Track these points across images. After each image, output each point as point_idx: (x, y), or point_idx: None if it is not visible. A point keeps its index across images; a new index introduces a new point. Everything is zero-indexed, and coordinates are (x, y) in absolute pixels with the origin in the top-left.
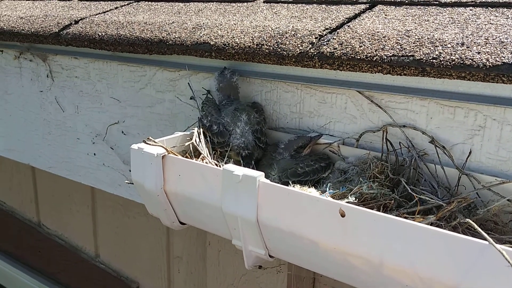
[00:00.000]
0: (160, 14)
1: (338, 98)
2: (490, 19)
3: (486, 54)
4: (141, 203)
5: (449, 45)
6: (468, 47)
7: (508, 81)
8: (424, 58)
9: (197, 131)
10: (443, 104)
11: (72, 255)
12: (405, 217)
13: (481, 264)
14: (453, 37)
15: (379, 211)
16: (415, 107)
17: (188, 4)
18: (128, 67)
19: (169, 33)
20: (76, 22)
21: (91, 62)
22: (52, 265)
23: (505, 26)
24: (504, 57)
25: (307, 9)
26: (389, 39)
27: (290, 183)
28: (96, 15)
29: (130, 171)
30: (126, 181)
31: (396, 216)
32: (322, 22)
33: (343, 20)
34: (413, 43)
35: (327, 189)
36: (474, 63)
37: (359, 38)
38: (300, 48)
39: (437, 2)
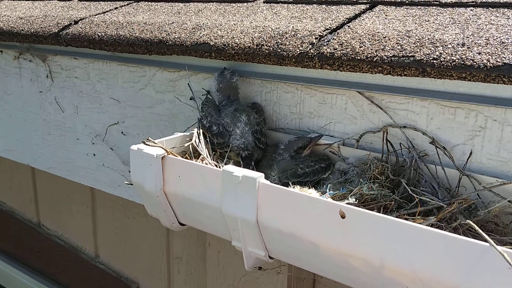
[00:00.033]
0: (160, 15)
1: (338, 98)
2: (491, 19)
3: (487, 54)
4: (141, 203)
5: (449, 46)
6: (468, 48)
7: (509, 81)
8: (425, 59)
9: (197, 132)
10: (444, 104)
11: (72, 255)
12: (406, 218)
13: (482, 265)
14: (453, 37)
15: (380, 212)
16: (415, 107)
17: (188, 4)
18: (128, 67)
19: (168, 33)
20: (76, 22)
21: (91, 62)
22: (52, 265)
23: (506, 27)
24: (505, 58)
25: (307, 9)
26: (389, 39)
27: (290, 184)
28: (95, 15)
29: (129, 171)
30: (125, 182)
31: (397, 217)
32: (322, 22)
33: (343, 20)
34: (414, 43)
35: (327, 190)
36: (475, 63)
37: (359, 39)
38: (300, 48)
39: (438, 2)
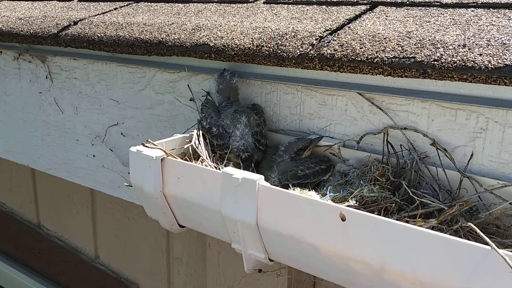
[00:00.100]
0: (160, 15)
1: (338, 100)
2: (492, 20)
3: (488, 56)
4: (141, 204)
5: (450, 47)
6: (469, 49)
7: (510, 83)
8: (426, 60)
9: (197, 133)
10: (445, 106)
11: (72, 256)
12: (406, 221)
13: (483, 269)
14: (454, 38)
15: (380, 214)
16: (416, 109)
17: (187, 5)
18: (128, 68)
19: (168, 34)
20: (75, 23)
21: (90, 63)
22: (52, 266)
23: (507, 28)
24: (506, 59)
25: (307, 10)
26: (390, 40)
27: (290, 185)
28: (95, 16)
29: (129, 173)
30: (125, 184)
31: (397, 219)
32: (322, 23)
33: (343, 21)
34: (414, 44)
35: (328, 192)
36: (476, 65)
37: (360, 40)
38: (300, 49)
39: (438, 3)
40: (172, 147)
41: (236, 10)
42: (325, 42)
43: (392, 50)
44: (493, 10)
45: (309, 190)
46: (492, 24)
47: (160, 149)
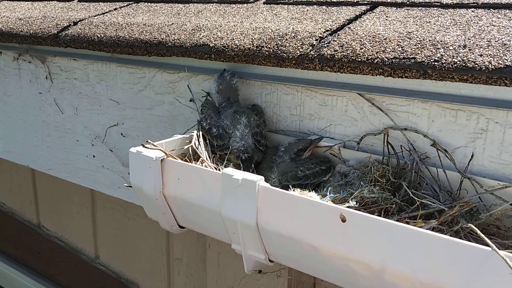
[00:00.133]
0: (160, 16)
1: (338, 100)
2: (493, 20)
3: (489, 56)
4: (141, 205)
5: (451, 48)
6: (470, 50)
7: (510, 84)
8: (426, 61)
9: (196, 134)
10: (445, 107)
11: (72, 256)
12: (407, 222)
13: (484, 270)
14: (455, 39)
15: (380, 215)
16: (416, 110)
17: (187, 5)
18: (127, 68)
19: (168, 34)
20: (75, 23)
21: (90, 63)
22: (52, 266)
23: (508, 28)
24: (506, 60)
25: (307, 10)
26: (390, 41)
27: (290, 186)
28: (95, 16)
29: (129, 173)
30: (125, 185)
31: (398, 220)
32: (322, 23)
33: (343, 21)
34: (415, 45)
35: (328, 193)
36: (477, 65)
37: (360, 40)
38: (300, 50)
39: (439, 4)
40: (172, 148)
41: (236, 11)
42: (325, 42)
43: (393, 51)
44: (494, 11)
45: (309, 191)
46: (493, 25)
47: (160, 150)
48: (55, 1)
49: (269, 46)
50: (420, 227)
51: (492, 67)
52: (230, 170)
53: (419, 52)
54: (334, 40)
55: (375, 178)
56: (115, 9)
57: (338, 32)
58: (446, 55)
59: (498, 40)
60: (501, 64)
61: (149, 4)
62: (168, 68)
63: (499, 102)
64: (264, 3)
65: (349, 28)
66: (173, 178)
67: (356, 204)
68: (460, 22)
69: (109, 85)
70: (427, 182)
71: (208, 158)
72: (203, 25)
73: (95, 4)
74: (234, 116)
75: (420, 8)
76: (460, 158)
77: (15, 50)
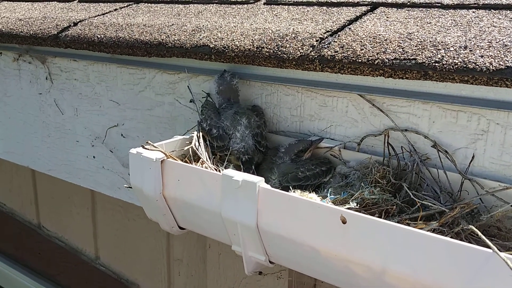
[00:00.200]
0: (160, 16)
1: (339, 101)
2: (493, 21)
3: (490, 57)
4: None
5: (451, 49)
6: (471, 51)
7: (511, 85)
8: (427, 62)
9: (197, 135)
10: (446, 108)
11: (72, 257)
12: (407, 223)
13: (484, 272)
14: (455, 40)
15: (381, 216)
16: (417, 111)
17: (187, 6)
18: (127, 69)
19: (168, 35)
20: (75, 24)
21: (90, 64)
22: (52, 267)
23: (509, 29)
24: (507, 61)
25: (307, 11)
26: (390, 42)
27: (291, 187)
28: (95, 17)
29: (129, 174)
30: (125, 186)
31: (398, 222)
32: (323, 24)
33: (344, 22)
34: (415, 46)
35: (328, 194)
36: (477, 66)
37: (360, 41)
38: (301, 51)
39: (439, 4)
40: (172, 149)
41: (236, 11)
42: (326, 43)
43: (393, 52)
44: (494, 11)
45: (310, 192)
46: (494, 26)
47: (160, 151)
48: (55, 2)
49: (269, 47)
50: (421, 228)
51: (493, 68)
52: (230, 172)
53: (420, 53)
54: (334, 41)
55: (375, 179)
56: (115, 9)
57: (339, 33)
58: (446, 56)
59: (499, 41)
60: (502, 65)
61: (149, 4)
62: (168, 69)
63: (500, 103)
64: (264, 3)
65: (349, 29)
66: (173, 179)
67: (357, 205)
68: (461, 23)
69: (109, 85)
70: (428, 183)
71: (208, 159)
72: (203, 25)
73: (95, 4)
74: (235, 117)
75: (420, 9)
76: (461, 159)
77: (15, 51)
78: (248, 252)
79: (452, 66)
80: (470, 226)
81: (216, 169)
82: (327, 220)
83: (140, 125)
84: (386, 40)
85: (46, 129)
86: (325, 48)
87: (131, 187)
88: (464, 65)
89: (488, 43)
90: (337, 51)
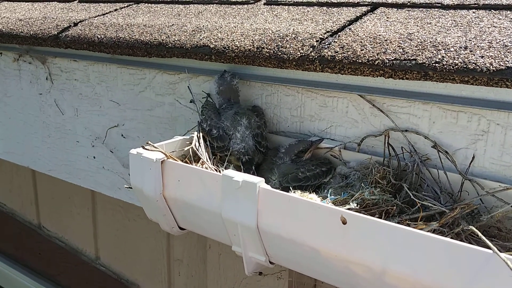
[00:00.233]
0: (160, 17)
1: (339, 102)
2: (494, 22)
3: (490, 58)
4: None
5: (452, 49)
6: (471, 51)
7: None
8: (427, 62)
9: (197, 136)
10: (446, 108)
11: (72, 257)
12: (408, 224)
13: (485, 272)
14: (456, 40)
15: (381, 217)
16: (417, 111)
17: (188, 6)
18: (128, 70)
19: (168, 35)
20: (75, 24)
21: (91, 64)
22: (52, 267)
23: (509, 29)
24: (508, 61)
25: (308, 11)
26: (391, 42)
27: (291, 188)
28: (95, 17)
29: (129, 175)
30: (125, 186)
31: (398, 222)
32: (323, 25)
33: (344, 23)
34: (416, 46)
35: (328, 194)
36: (478, 67)
37: (361, 42)
38: (301, 51)
39: (440, 5)
40: (172, 149)
41: (236, 12)
42: (326, 44)
43: (393, 52)
44: (495, 12)
45: (310, 192)
46: (494, 26)
47: (160, 151)
48: (56, 2)
49: (269, 47)
50: (421, 229)
51: (494, 68)
52: (231, 172)
53: (420, 54)
54: (334, 41)
55: (375, 179)
56: (116, 10)
57: (339, 33)
58: (447, 56)
59: (499, 41)
60: (502, 65)
61: (149, 5)
62: (169, 69)
63: (500, 104)
64: (264, 4)
65: (349, 29)
66: (173, 179)
67: (357, 206)
68: (461, 23)
69: (109, 86)
70: (428, 183)
71: (208, 160)
72: (203, 26)
73: (95, 5)
74: (235, 118)
75: (421, 9)
76: (461, 159)
77: (16, 51)
78: (248, 252)
79: (453, 67)
80: (470, 226)
81: (216, 170)
82: (327, 220)
83: (140, 126)
84: (386, 40)
85: (46, 129)
86: (325, 49)
87: (131, 188)
88: (465, 66)
89: (488, 44)
90: (337, 52)
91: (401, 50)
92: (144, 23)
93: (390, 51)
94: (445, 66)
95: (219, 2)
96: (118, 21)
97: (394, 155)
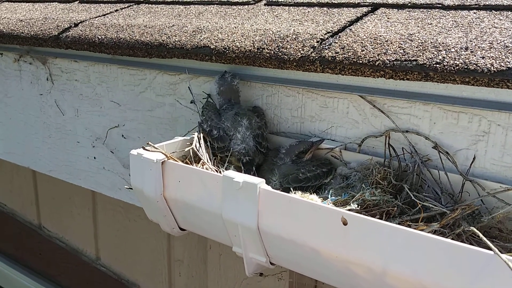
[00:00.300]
0: (160, 17)
1: (340, 102)
2: (494, 22)
3: (491, 59)
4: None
5: (452, 50)
6: (472, 52)
7: None
8: (427, 63)
9: (197, 136)
10: (447, 109)
11: (72, 257)
12: (408, 225)
13: (485, 273)
14: (456, 41)
15: (382, 218)
16: (418, 112)
17: (188, 7)
18: (128, 70)
19: (169, 36)
20: (76, 25)
21: (91, 65)
22: (52, 267)
23: (510, 30)
24: (509, 62)
25: (308, 12)
26: (391, 43)
27: (292, 189)
28: (96, 18)
29: (130, 175)
30: (126, 187)
31: (399, 223)
32: (323, 25)
33: (344, 23)
34: (416, 47)
35: (329, 195)
36: (478, 68)
37: (361, 42)
38: (302, 52)
39: (440, 5)
40: (173, 150)
41: (237, 12)
42: (327, 44)
43: (394, 53)
44: (496, 12)
45: (311, 193)
46: (495, 27)
47: (161, 152)
48: (56, 3)
49: (270, 48)
50: (422, 230)
51: (494, 69)
52: (231, 173)
53: (421, 54)
54: (335, 42)
55: (376, 180)
56: (116, 10)
57: (339, 34)
58: (447, 57)
59: (500, 42)
60: (503, 66)
61: (149, 5)
62: (169, 70)
63: (501, 105)
64: (265, 4)
65: (350, 30)
66: (173, 180)
67: (358, 207)
68: (461, 24)
69: (110, 86)
70: (429, 184)
71: (209, 161)
72: (204, 26)
73: (96, 5)
74: (235, 118)
75: (421, 9)
76: (462, 160)
77: (16, 52)
78: (249, 253)
79: (453, 67)
80: (471, 227)
81: (216, 170)
82: (328, 221)
83: (140, 126)
84: (387, 41)
85: (47, 130)
86: (326, 49)
87: (131, 188)
88: (465, 66)
89: (489, 44)
90: (338, 52)
91: (401, 51)
92: (145, 24)
93: (390, 52)
94: (446, 67)
95: (219, 3)
96: (118, 22)
97: (395, 156)
